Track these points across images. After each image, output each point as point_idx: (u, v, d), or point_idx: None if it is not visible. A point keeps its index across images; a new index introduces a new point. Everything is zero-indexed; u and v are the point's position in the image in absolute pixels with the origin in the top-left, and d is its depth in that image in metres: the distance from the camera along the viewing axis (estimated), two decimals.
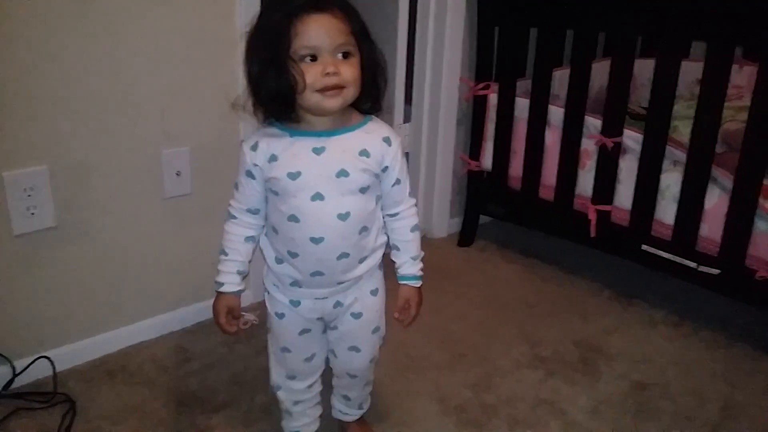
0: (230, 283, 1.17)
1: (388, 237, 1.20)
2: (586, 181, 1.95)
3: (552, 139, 2.01)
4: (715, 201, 1.71)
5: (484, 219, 2.35)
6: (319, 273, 1.13)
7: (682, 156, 1.74)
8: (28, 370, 1.53)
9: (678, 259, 1.78)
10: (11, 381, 1.51)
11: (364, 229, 1.12)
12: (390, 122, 2.27)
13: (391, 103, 2.26)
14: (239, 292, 1.18)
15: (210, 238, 1.75)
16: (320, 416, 1.35)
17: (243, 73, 1.07)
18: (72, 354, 1.60)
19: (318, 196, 1.07)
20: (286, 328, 1.21)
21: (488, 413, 1.51)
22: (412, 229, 1.20)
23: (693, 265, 1.75)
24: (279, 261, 1.16)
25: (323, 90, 1.01)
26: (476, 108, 2.18)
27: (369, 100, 1.09)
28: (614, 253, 1.98)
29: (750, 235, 1.65)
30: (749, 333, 1.82)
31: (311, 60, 1.00)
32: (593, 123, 1.89)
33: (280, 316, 1.20)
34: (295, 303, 1.18)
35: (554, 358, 1.71)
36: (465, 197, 2.33)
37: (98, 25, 1.45)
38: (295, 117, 1.06)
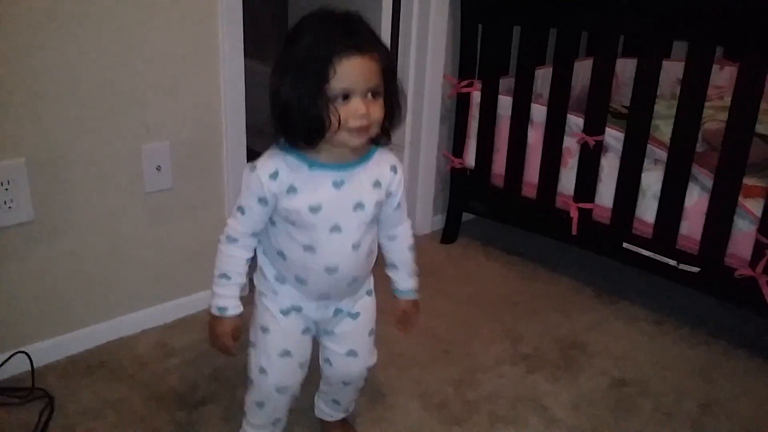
0: (234, 306, 1.14)
1: (383, 254, 1.25)
2: (568, 179, 1.96)
3: (534, 137, 2.02)
4: (696, 199, 1.72)
5: (467, 216, 2.35)
6: (325, 296, 1.17)
7: (663, 155, 1.75)
8: (5, 365, 1.51)
9: (658, 257, 1.79)
10: None
11: (371, 253, 1.18)
12: None
13: None
14: (241, 313, 1.16)
15: (191, 233, 1.75)
16: None
17: (271, 92, 1.04)
18: (50, 349, 1.58)
19: (336, 229, 1.10)
20: (290, 325, 1.18)
21: (469, 409, 1.51)
22: (410, 249, 1.25)
23: (673, 263, 1.77)
24: (281, 281, 1.17)
25: (353, 129, 1.02)
26: (459, 106, 2.18)
27: (385, 134, 1.11)
28: (596, 251, 1.99)
29: (729, 233, 1.67)
30: (729, 330, 1.83)
31: (343, 99, 1.01)
32: (575, 121, 1.90)
33: (286, 312, 1.18)
34: (297, 308, 1.18)
35: (535, 355, 1.72)
36: (448, 194, 2.34)
37: (78, 20, 1.43)
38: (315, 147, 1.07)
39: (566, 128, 1.92)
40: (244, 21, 1.67)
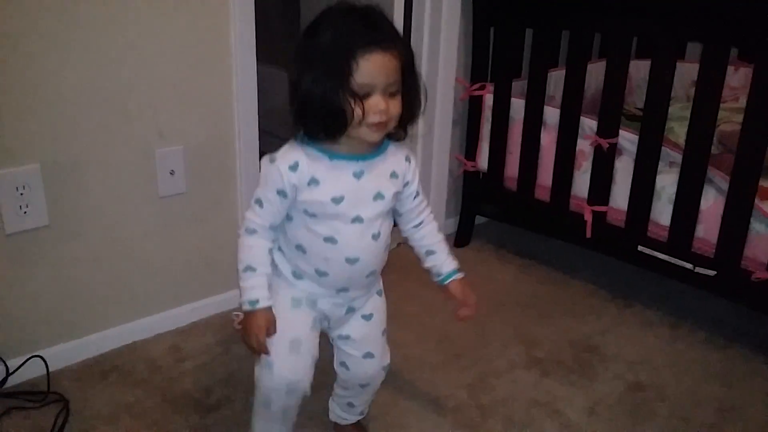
0: (265, 297, 1.12)
1: (415, 248, 1.26)
2: (581, 182, 1.94)
3: (548, 139, 2.01)
4: (711, 202, 1.71)
5: (480, 219, 2.35)
6: (344, 290, 1.18)
7: (677, 157, 1.74)
8: (21, 369, 1.52)
9: (674, 261, 1.78)
10: (4, 380, 1.50)
11: (387, 246, 1.19)
12: None
13: None
14: (272, 307, 1.14)
15: (204, 238, 1.75)
16: None
17: (292, 84, 1.05)
18: (65, 353, 1.59)
19: (358, 219, 1.11)
20: (300, 316, 1.17)
21: (483, 414, 1.50)
22: (439, 231, 1.27)
23: (689, 266, 1.75)
24: (298, 276, 1.17)
25: (372, 125, 1.03)
26: (472, 108, 2.18)
27: (401, 129, 1.12)
28: (610, 254, 1.98)
29: (746, 236, 1.65)
30: (745, 334, 1.82)
31: (364, 94, 1.01)
32: (589, 124, 1.89)
33: (297, 303, 1.17)
34: (312, 302, 1.18)
35: (550, 359, 1.71)
36: (461, 198, 2.33)
37: (92, 24, 1.44)
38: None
39: (579, 131, 1.91)
40: (255, 25, 1.67)
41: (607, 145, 1.84)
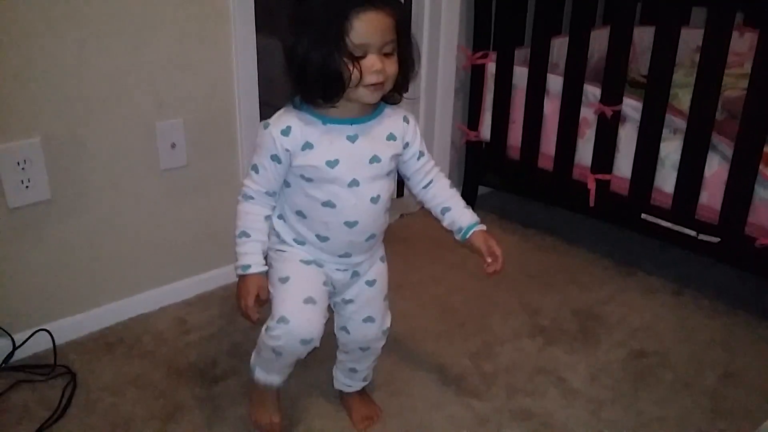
0: (258, 263, 1.14)
1: (430, 207, 1.26)
2: (585, 151, 1.93)
3: (551, 108, 1.99)
4: (715, 169, 1.70)
5: (482, 189, 2.34)
6: (346, 254, 1.18)
7: (682, 124, 1.73)
8: (27, 343, 1.53)
9: (678, 228, 1.77)
10: (11, 354, 1.51)
11: (387, 209, 1.19)
12: None
13: None
14: (266, 272, 1.15)
15: (207, 210, 1.75)
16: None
17: (286, 50, 1.05)
18: (71, 327, 1.60)
19: (354, 183, 1.11)
20: (313, 274, 1.17)
21: (487, 382, 1.51)
22: (450, 186, 1.26)
23: (693, 233, 1.75)
24: (300, 243, 1.17)
25: (369, 85, 1.03)
26: (474, 77, 2.16)
27: (396, 92, 1.12)
28: (613, 223, 1.98)
29: (750, 202, 1.64)
30: (749, 301, 1.82)
31: (359, 55, 1.01)
32: (592, 92, 1.87)
33: (307, 262, 1.17)
34: (319, 263, 1.19)
35: (553, 327, 1.71)
36: (463, 168, 2.32)
37: None
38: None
39: (583, 99, 1.90)
40: None
41: (611, 113, 1.82)
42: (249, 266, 1.13)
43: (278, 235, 1.19)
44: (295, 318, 1.12)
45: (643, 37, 2.21)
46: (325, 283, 1.19)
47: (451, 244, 2.07)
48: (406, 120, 1.17)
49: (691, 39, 2.04)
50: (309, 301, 1.14)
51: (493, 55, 2.09)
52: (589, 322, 1.74)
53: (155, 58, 1.55)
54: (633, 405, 1.46)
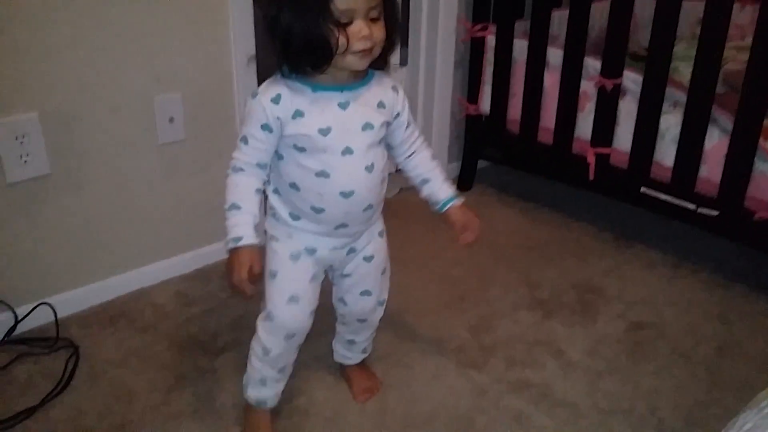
0: (249, 235, 1.10)
1: (410, 177, 1.26)
2: (585, 124, 1.93)
3: (551, 81, 1.98)
4: (715, 142, 1.70)
5: (482, 163, 2.34)
6: (343, 225, 1.16)
7: (682, 97, 1.72)
8: (30, 316, 1.54)
9: (677, 201, 1.78)
10: (13, 327, 1.52)
11: (384, 179, 1.17)
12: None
13: None
14: (257, 245, 1.12)
15: (206, 184, 1.75)
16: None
17: (265, 19, 1.03)
18: (73, 300, 1.61)
19: (348, 151, 1.09)
20: (299, 271, 1.18)
21: (486, 354, 1.53)
22: (432, 158, 1.26)
23: (692, 206, 1.75)
24: (295, 217, 1.16)
25: (357, 52, 1.02)
26: (474, 50, 2.15)
27: (383, 58, 1.10)
28: (613, 196, 1.98)
29: (749, 176, 1.64)
30: (747, 274, 1.83)
31: (346, 21, 1.00)
32: (593, 64, 1.86)
33: (296, 257, 1.17)
34: (311, 251, 1.18)
35: (552, 300, 1.72)
36: (463, 141, 2.31)
37: None
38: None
39: (583, 71, 1.89)
40: None
41: (611, 86, 1.81)
42: (240, 238, 1.09)
43: (274, 213, 1.17)
44: (279, 315, 1.18)
45: (644, 9, 2.19)
46: (314, 277, 1.20)
47: None
48: (395, 90, 1.16)
49: (692, 11, 2.03)
50: (292, 300, 1.18)
51: (492, 28, 2.07)
52: (588, 294, 1.75)
53: (153, 31, 1.54)
54: (630, 376, 1.47)
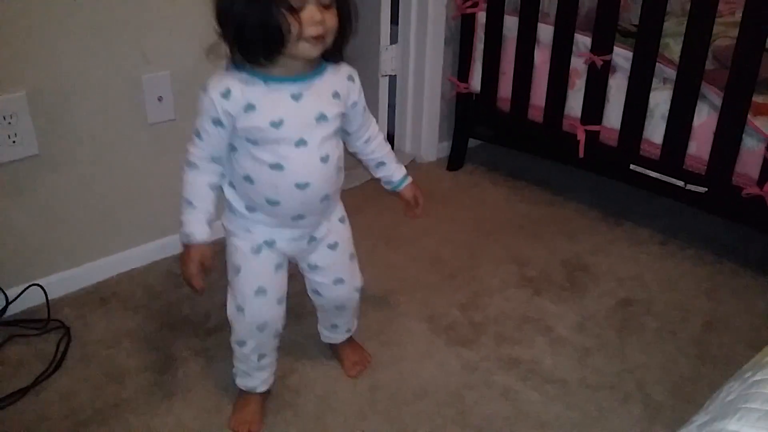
0: (200, 232, 1.11)
1: (365, 161, 1.29)
2: (575, 102, 1.93)
3: (541, 58, 1.98)
4: (704, 119, 1.70)
5: (473, 142, 2.34)
6: (300, 216, 1.15)
7: (672, 74, 1.72)
8: (20, 298, 1.54)
9: (666, 178, 1.79)
10: (4, 309, 1.52)
11: (339, 169, 1.17)
12: (375, 44, 2.23)
13: (376, 24, 2.21)
14: (209, 241, 1.13)
15: None
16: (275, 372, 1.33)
17: (217, 10, 1.02)
18: (64, 281, 1.61)
19: (302, 142, 1.08)
20: (262, 263, 1.18)
21: (476, 331, 1.54)
22: (385, 141, 1.29)
23: (681, 183, 1.76)
24: (251, 210, 1.15)
25: (310, 38, 1.01)
26: (464, 27, 2.13)
27: (336, 49, 1.08)
28: (602, 174, 1.98)
29: (738, 152, 1.65)
30: (735, 250, 1.84)
31: (297, 8, 0.98)
32: (583, 41, 1.86)
33: (257, 250, 1.17)
34: (270, 243, 1.18)
35: (541, 278, 1.73)
36: (454, 121, 2.31)
37: None
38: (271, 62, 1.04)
39: (573, 48, 1.88)
40: None
41: (601, 63, 1.81)
42: (191, 234, 1.11)
43: (230, 206, 1.17)
44: (248, 308, 1.20)
45: None
46: (278, 266, 1.20)
47: (441, 197, 2.09)
48: (351, 79, 1.15)
49: None
50: (259, 291, 1.19)
51: (483, 4, 2.06)
52: (577, 272, 1.76)
53: (141, 9, 1.52)
54: (619, 352, 1.49)
